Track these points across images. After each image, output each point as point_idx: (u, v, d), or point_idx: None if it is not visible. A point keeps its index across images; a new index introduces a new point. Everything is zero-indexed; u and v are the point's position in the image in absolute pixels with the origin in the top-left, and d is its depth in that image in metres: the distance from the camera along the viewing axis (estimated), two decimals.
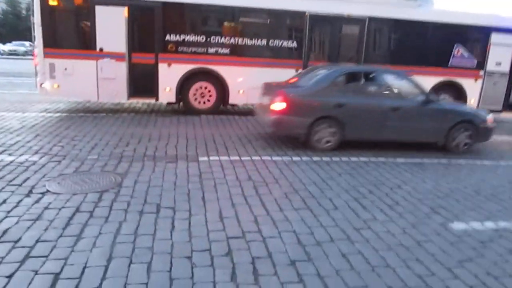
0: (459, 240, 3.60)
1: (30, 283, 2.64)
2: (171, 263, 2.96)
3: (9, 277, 2.69)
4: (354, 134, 6.63)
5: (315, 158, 6.00)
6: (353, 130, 6.56)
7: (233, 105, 9.89)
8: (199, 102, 9.40)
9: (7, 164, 4.91)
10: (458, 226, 3.91)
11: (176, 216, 3.74)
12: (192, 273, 2.85)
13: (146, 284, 2.70)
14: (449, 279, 2.96)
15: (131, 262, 2.94)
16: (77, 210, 3.76)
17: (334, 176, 5.23)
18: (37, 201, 3.90)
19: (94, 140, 6.35)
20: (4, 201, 3.85)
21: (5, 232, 3.28)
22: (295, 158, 5.94)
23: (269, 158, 5.89)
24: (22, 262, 2.87)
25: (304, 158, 5.97)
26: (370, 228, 3.73)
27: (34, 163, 5.03)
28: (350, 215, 3.99)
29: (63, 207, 3.79)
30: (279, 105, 6.41)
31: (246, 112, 9.75)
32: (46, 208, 3.76)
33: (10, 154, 5.33)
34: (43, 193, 4.10)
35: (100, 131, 7.05)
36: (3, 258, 2.91)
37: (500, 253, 3.41)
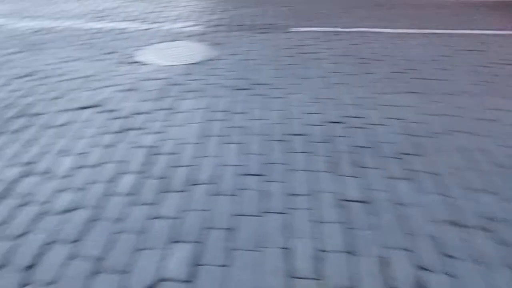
0: None
1: (130, 154, 2.61)
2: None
3: (109, 146, 2.69)
4: None
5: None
6: None
7: None
8: None
9: (97, 32, 4.82)
10: None
11: (271, 95, 3.44)
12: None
13: (245, 166, 2.55)
14: None
15: (224, 142, 2.78)
16: (172, 82, 3.61)
17: None
18: (129, 72, 3.80)
19: (178, 9, 5.98)
20: (97, 71, 3.81)
21: (100, 102, 3.26)
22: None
23: (368, 29, 5.13)
24: (120, 132, 2.84)
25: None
26: None
27: (122, 31, 4.88)
28: None
29: (156, 79, 3.66)
30: None
31: None
32: (140, 79, 3.66)
33: (99, 21, 5.22)
34: (134, 63, 3.98)
35: None
36: (105, 127, 2.90)
37: None
